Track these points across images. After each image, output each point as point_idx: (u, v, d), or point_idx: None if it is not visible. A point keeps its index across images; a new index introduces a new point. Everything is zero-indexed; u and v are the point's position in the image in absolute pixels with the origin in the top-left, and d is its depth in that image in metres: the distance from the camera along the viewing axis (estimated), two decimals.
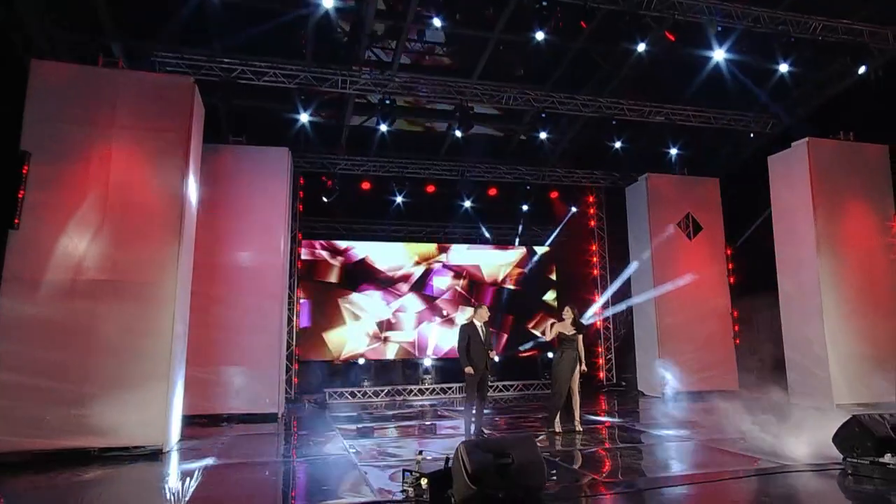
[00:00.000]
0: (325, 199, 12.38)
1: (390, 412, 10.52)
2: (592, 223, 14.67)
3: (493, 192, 13.57)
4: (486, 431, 7.52)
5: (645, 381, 12.38)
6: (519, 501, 4.35)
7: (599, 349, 14.17)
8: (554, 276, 15.46)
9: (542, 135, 11.98)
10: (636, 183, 12.94)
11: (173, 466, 6.15)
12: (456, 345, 7.60)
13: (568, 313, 7.79)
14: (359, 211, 13.73)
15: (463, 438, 7.18)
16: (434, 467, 4.75)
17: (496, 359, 7.65)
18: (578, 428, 7.65)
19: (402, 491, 4.54)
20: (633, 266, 12.34)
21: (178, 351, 7.19)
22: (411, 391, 12.39)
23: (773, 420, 7.33)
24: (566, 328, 7.73)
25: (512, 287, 15.10)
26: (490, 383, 11.54)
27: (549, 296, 15.31)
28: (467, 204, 13.76)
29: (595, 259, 14.53)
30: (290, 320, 11.56)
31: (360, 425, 8.99)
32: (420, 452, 4.76)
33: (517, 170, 13.26)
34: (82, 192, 6.84)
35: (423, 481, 4.47)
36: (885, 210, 9.95)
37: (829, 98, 10.43)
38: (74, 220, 6.76)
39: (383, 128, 10.47)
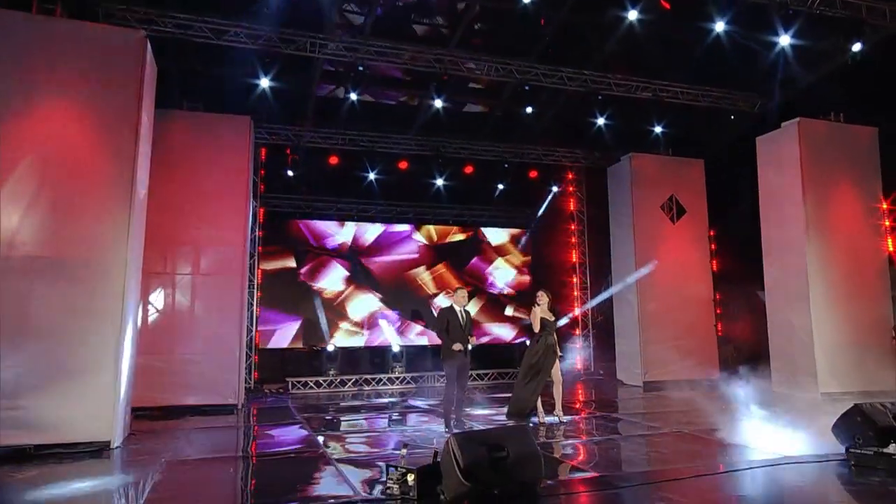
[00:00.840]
0: (290, 173, 11.91)
1: (360, 402, 10.26)
2: (572, 205, 14.58)
3: (469, 169, 13.30)
4: (466, 422, 7.33)
5: (625, 369, 12.41)
6: (514, 497, 4.17)
7: (576, 334, 14.15)
8: (530, 260, 15.38)
9: (522, 110, 11.77)
10: (619, 163, 12.86)
11: (122, 465, 5.77)
12: (435, 330, 7.39)
13: (543, 297, 7.63)
14: (325, 188, 13.29)
15: (443, 430, 7.02)
16: (417, 461, 4.52)
17: (470, 347, 7.38)
18: (562, 418, 7.55)
19: (387, 488, 4.30)
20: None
21: (127, 336, 6.75)
22: (380, 380, 12.13)
23: (760, 410, 7.39)
24: (546, 314, 7.59)
25: (489, 271, 14.95)
26: None
27: (526, 280, 15.23)
28: (440, 182, 13.49)
29: (574, 242, 14.46)
30: (250, 304, 11.11)
31: (328, 416, 8.71)
32: (405, 445, 4.52)
33: (495, 147, 13.03)
34: (14, 155, 6.28)
35: (410, 477, 4.23)
36: (872, 194, 10.10)
37: (818, 78, 10.47)
38: (6, 189, 6.22)
39: (353, 97, 10.04)
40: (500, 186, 13.96)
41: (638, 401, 10.14)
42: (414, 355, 13.05)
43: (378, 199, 13.63)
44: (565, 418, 7.64)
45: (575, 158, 13.68)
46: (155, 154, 8.04)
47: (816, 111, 10.21)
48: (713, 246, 12.79)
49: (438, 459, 4.35)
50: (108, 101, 6.72)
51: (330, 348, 12.49)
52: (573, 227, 14.52)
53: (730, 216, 12.66)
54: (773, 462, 5.13)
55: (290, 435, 7.33)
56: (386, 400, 10.53)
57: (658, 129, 12.40)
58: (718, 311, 12.56)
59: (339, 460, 5.65)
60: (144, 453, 6.24)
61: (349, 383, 11.90)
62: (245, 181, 9.84)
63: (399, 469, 4.30)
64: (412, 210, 14.44)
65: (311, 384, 11.68)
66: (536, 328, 7.42)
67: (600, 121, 12.08)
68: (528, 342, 14.08)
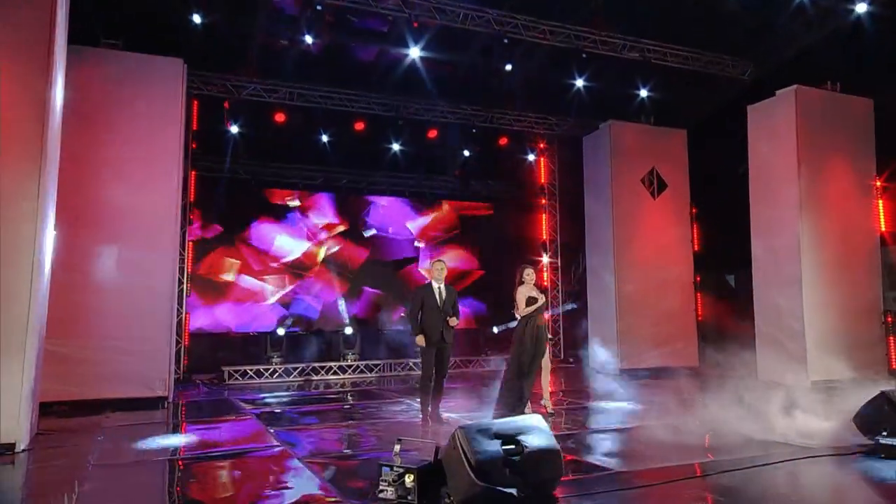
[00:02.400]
0: (234, 129, 11.26)
1: (313, 394, 9.86)
2: (543, 176, 14.44)
3: (432, 134, 12.92)
4: (443, 416, 7.05)
5: (599, 356, 12.42)
6: (531, 498, 3.92)
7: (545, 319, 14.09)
8: (494, 237, 15.22)
9: (492, 67, 11.45)
10: (597, 131, 12.78)
11: (32, 472, 5.20)
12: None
13: (529, 274, 7.37)
14: (267, 150, 12.59)
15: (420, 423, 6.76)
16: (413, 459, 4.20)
17: (453, 324, 7.07)
18: (550, 410, 7.40)
19: (379, 491, 3.96)
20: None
21: (37, 317, 6.08)
22: (331, 369, 11.69)
23: (757, 400, 7.45)
24: (534, 292, 7.34)
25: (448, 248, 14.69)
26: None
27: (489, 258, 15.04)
28: (396, 147, 13.10)
29: (544, 217, 14.34)
30: (180, 281, 10.41)
31: (280, 410, 8.25)
32: (398, 440, 4.18)
33: (460, 109, 12.68)
34: None
35: (409, 478, 3.91)
36: (866, 170, 10.37)
37: (813, 44, 10.62)
38: None
39: (309, 39, 9.43)
40: (466, 153, 13.68)
41: (620, 390, 10.11)
42: (370, 340, 12.68)
43: (328, 164, 13.08)
44: (552, 409, 7.49)
45: (548, 125, 13.51)
46: (67, 99, 7.29)
47: (808, 79, 10.33)
48: (694, 224, 12.94)
49: (440, 457, 4.05)
50: (12, 28, 5.95)
51: (280, 332, 11.98)
52: (544, 201, 14.38)
53: (713, 192, 12.84)
54: (800, 456, 5.08)
55: (240, 431, 6.85)
56: (343, 390, 10.16)
57: (643, 94, 12.32)
58: (699, 291, 12.75)
59: (309, 460, 5.24)
60: (60, 457, 5.67)
61: (295, 372, 11.41)
62: (177, 137, 9.10)
63: (395, 469, 3.97)
64: (365, 179, 13.96)
65: (251, 374, 11.12)
66: (522, 310, 7.13)
67: (578, 83, 11.90)
68: (495, 329, 14.21)
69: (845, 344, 9.63)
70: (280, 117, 11.46)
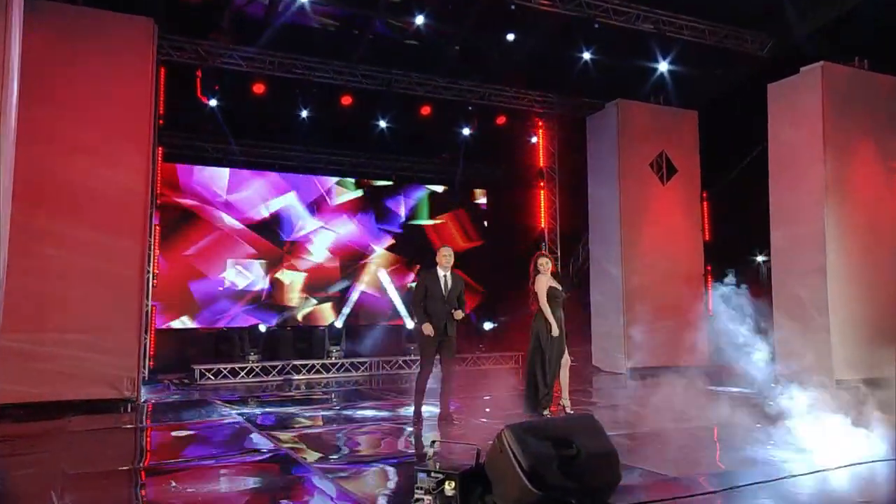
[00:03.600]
0: (213, 103, 10.85)
1: (297, 394, 9.59)
2: (541, 160, 14.29)
3: (425, 111, 12.66)
4: (455, 418, 6.85)
5: (603, 354, 12.36)
6: None
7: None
8: (487, 224, 15.09)
9: (492, 39, 11.25)
10: (602, 111, 12.65)
11: None
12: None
13: (546, 262, 7.25)
14: (243, 126, 12.20)
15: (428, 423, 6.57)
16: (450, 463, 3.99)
17: (458, 317, 6.86)
18: (570, 409, 7.25)
19: (415, 500, 3.74)
20: None
21: None
22: (313, 367, 11.39)
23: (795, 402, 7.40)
24: (553, 282, 7.21)
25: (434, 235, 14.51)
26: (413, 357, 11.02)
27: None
28: (384, 124, 12.85)
29: (543, 204, 14.20)
30: (147, 270, 10.01)
31: (265, 411, 7.99)
32: (433, 443, 3.97)
33: (456, 84, 12.43)
34: None
35: (450, 485, 3.69)
36: (892, 152, 10.38)
37: (838, 17, 10.63)
38: None
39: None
40: (459, 132, 13.47)
41: (638, 391, 9.99)
42: (355, 335, 12.45)
43: (309, 143, 12.79)
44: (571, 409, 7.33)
45: (548, 104, 13.34)
46: (23, 63, 6.88)
47: (831, 56, 10.29)
48: (705, 212, 12.92)
49: (482, 461, 3.85)
50: None
51: (262, 328, 11.71)
52: (542, 186, 14.23)
53: (725, 177, 12.83)
54: (865, 461, 4.98)
55: (229, 435, 6.55)
56: (331, 389, 10.00)
57: (652, 71, 12.20)
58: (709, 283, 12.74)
59: (318, 466, 4.98)
60: (28, 465, 5.33)
61: (274, 371, 11.10)
62: (147, 108, 8.73)
63: (433, 475, 3.74)
64: (348, 160, 13.67)
65: (226, 372, 10.78)
66: (543, 301, 6.97)
67: (584, 55, 11.74)
68: (486, 325, 14.08)
69: (870, 340, 9.63)
70: (259, 88, 11.07)
